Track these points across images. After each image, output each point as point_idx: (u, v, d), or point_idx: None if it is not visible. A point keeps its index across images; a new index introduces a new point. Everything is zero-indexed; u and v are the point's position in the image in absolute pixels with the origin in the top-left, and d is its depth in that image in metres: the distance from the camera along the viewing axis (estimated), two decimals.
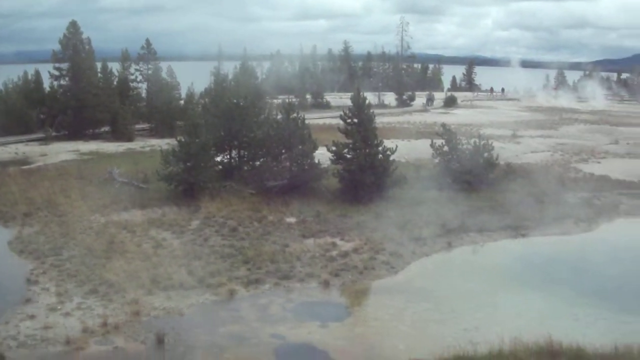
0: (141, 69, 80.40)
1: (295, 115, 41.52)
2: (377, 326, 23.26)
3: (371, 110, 41.58)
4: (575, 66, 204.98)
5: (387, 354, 20.75)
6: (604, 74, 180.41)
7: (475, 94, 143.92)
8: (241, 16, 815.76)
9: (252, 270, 27.84)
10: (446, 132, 44.55)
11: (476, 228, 34.72)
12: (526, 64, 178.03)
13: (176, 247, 30.61)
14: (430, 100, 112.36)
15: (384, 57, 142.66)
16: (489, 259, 31.77)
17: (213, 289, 25.66)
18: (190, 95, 74.16)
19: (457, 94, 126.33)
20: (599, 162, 55.30)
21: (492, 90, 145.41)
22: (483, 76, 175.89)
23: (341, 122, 41.88)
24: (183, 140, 39.11)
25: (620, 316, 23.88)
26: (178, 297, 24.91)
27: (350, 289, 26.81)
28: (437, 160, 44.31)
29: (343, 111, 42.17)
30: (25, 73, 75.14)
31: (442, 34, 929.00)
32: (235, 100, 44.75)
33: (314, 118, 72.39)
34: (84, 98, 65.47)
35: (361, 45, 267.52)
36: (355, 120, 40.58)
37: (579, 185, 44.92)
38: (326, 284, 26.82)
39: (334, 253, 30.36)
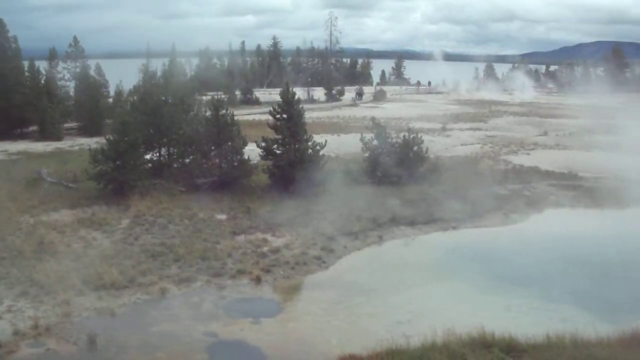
0: (69, 67, 79.45)
1: (224, 111, 41.43)
2: (310, 321, 23.43)
3: (300, 106, 41.71)
4: (504, 59, 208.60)
5: (320, 349, 20.89)
6: (532, 66, 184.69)
7: (404, 87, 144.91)
8: (169, 13, 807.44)
9: (184, 268, 27.77)
10: (375, 126, 44.78)
11: (407, 221, 35.14)
12: (455, 58, 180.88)
13: (106, 247, 30.26)
14: (359, 94, 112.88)
15: (313, 52, 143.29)
16: (421, 252, 32.21)
17: (144, 288, 25.52)
18: (118, 93, 73.19)
19: (386, 88, 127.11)
20: (528, 154, 56.25)
21: (419, 83, 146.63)
22: (412, 70, 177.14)
23: (270, 117, 41.94)
24: (112, 138, 38.63)
25: (551, 305, 24.49)
26: (109, 297, 24.70)
27: (282, 284, 26.97)
28: (366, 155, 44.39)
29: (272, 107, 42.23)
30: None
31: (371, 28, 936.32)
32: (163, 98, 44.47)
33: (243, 114, 72.23)
34: (11, 97, 64.14)
35: (290, 40, 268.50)
36: (285, 115, 40.64)
37: (508, 177, 45.65)
38: (258, 280, 26.91)
39: (265, 249, 30.45)
